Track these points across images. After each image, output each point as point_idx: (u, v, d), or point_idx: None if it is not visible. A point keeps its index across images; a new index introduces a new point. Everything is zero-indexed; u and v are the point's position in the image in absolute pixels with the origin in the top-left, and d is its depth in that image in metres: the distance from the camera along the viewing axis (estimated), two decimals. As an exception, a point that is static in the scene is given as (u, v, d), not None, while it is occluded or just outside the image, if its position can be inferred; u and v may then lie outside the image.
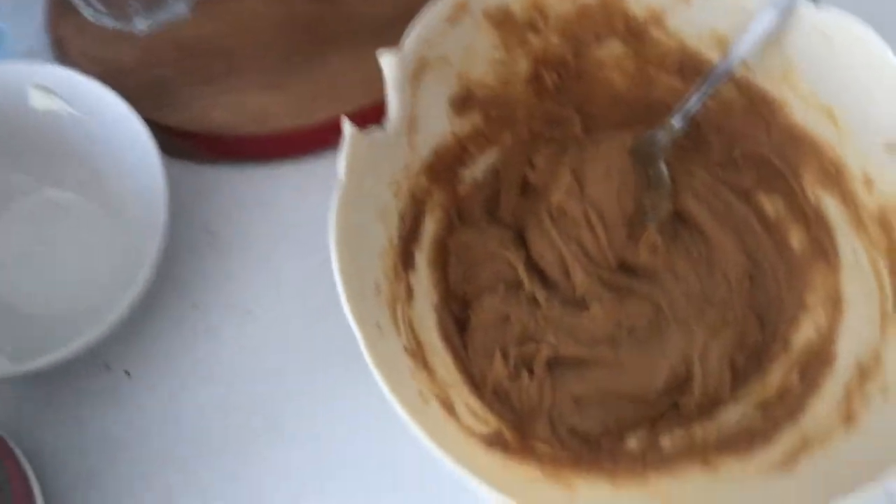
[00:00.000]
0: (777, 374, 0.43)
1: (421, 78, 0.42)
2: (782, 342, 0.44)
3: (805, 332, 0.44)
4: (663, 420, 0.43)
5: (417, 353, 0.41)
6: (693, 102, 0.44)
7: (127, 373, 0.45)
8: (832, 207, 0.44)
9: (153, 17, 0.50)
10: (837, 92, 0.43)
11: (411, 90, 0.42)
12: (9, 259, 0.47)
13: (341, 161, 0.38)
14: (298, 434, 0.44)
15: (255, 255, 0.48)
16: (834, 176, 0.44)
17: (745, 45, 0.42)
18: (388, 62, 0.40)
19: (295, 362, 0.46)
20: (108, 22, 0.49)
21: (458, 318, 0.44)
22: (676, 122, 0.45)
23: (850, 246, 0.43)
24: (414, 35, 0.41)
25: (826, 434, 0.39)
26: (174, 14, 0.50)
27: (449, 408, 0.40)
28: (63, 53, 0.50)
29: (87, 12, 0.49)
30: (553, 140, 0.48)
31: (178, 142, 0.48)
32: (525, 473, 0.39)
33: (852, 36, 0.41)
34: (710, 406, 0.43)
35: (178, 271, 0.47)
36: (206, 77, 0.49)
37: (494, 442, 0.39)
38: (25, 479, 0.40)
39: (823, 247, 0.44)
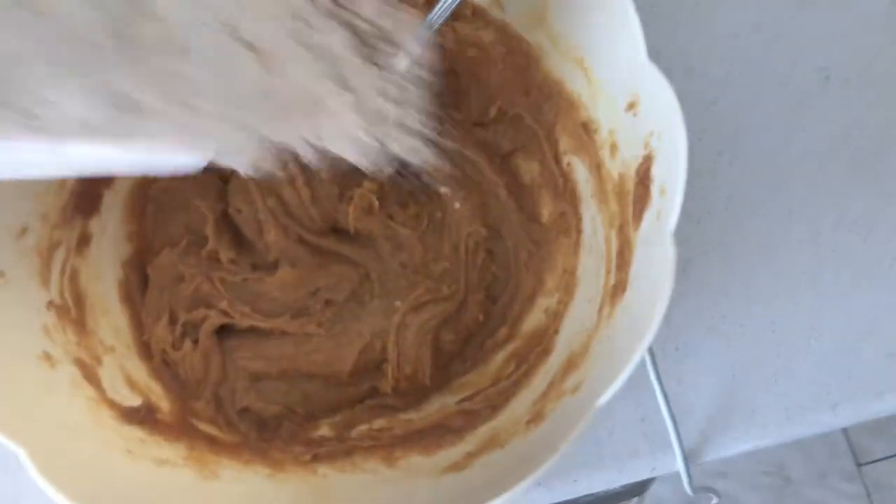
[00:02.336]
0: (498, 362, 0.38)
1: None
2: (511, 326, 0.38)
3: (536, 317, 0.38)
4: (364, 406, 0.38)
5: (69, 309, 0.35)
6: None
7: None
8: (582, 176, 0.39)
9: None
10: (587, 38, 0.37)
11: None
12: None
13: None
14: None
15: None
16: (585, 140, 0.38)
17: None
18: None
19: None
20: None
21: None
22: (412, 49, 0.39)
23: (591, 221, 0.38)
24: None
25: (511, 433, 0.33)
26: None
27: (89, 374, 0.34)
28: None
29: None
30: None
31: None
32: (160, 453, 0.33)
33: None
34: (415, 393, 0.37)
35: None
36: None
37: (135, 418, 0.34)
38: None
39: (568, 222, 0.39)
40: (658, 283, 0.30)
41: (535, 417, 0.33)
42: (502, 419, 0.35)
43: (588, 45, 0.37)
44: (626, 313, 0.32)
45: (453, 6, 0.36)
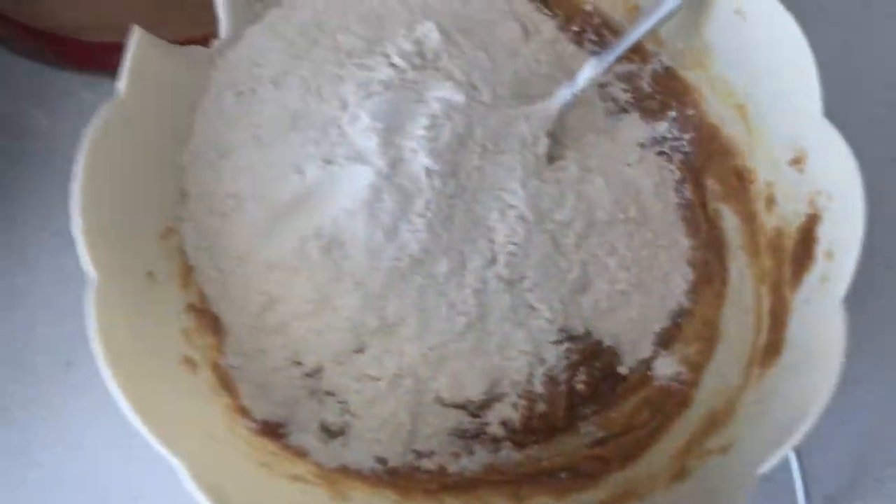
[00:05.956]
0: (628, 409, 0.37)
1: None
2: (644, 371, 0.37)
3: (671, 365, 0.37)
4: (486, 437, 0.37)
5: (206, 313, 0.35)
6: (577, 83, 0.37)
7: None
8: (730, 224, 0.38)
9: None
10: (751, 83, 0.36)
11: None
12: None
13: (123, 74, 0.32)
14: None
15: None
16: (737, 188, 0.37)
17: (645, 24, 0.35)
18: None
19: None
20: None
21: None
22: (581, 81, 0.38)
23: (739, 273, 0.37)
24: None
25: (649, 486, 0.33)
26: None
27: (224, 381, 0.34)
28: None
29: None
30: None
31: (24, 39, 0.43)
32: (294, 469, 0.33)
33: (767, 13, 0.34)
34: (543, 431, 0.37)
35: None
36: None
37: (267, 430, 0.34)
38: None
39: (711, 270, 0.38)
40: (824, 355, 0.29)
41: (679, 474, 0.32)
42: (636, 470, 0.34)
43: (753, 92, 0.36)
44: (783, 379, 0.31)
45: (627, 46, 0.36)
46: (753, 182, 0.36)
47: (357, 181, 0.33)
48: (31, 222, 0.42)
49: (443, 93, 0.35)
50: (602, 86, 0.40)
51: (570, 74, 0.39)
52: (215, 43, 0.36)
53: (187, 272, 0.35)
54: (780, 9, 0.33)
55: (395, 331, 0.35)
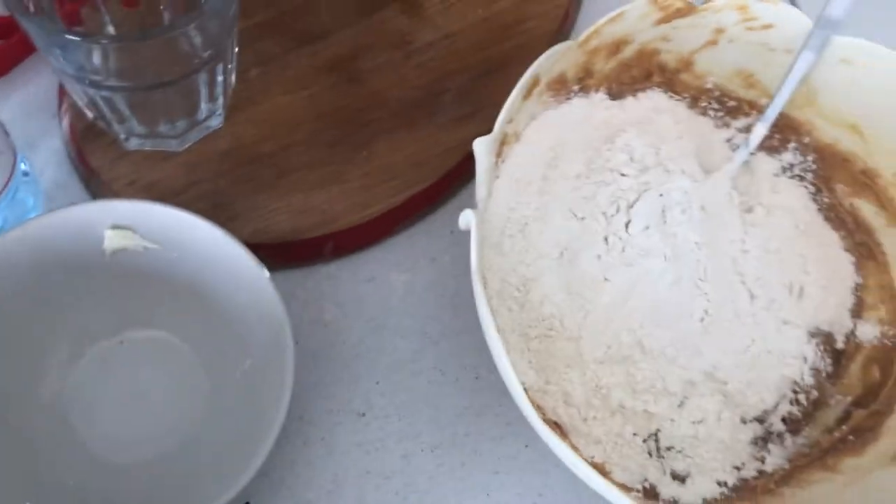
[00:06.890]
0: (856, 371, 0.47)
1: (500, 154, 0.44)
2: (853, 342, 0.48)
3: (873, 330, 0.48)
4: (770, 434, 0.46)
5: (549, 422, 0.42)
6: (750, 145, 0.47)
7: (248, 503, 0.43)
8: (869, 212, 0.49)
9: (190, 136, 0.48)
10: (860, 109, 0.47)
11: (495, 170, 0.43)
12: (99, 409, 0.43)
13: (474, 257, 0.38)
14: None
15: (346, 356, 0.47)
16: (867, 183, 0.49)
17: (788, 88, 0.46)
18: (482, 148, 0.41)
19: (417, 457, 0.45)
20: (148, 145, 0.47)
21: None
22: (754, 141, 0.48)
23: (894, 243, 0.48)
24: (502, 117, 0.42)
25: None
26: (209, 128, 0.48)
27: (599, 469, 0.41)
28: (101, 183, 0.47)
29: (127, 141, 0.47)
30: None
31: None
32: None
33: (872, 58, 0.45)
34: (810, 412, 0.46)
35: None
36: (258, 184, 0.48)
37: (650, 494, 0.41)
38: None
39: (869, 248, 0.49)
40: None
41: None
42: (904, 411, 0.44)
43: (863, 114, 0.47)
44: None
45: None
46: (879, 176, 0.48)
47: (655, 272, 0.42)
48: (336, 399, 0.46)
49: (675, 184, 0.44)
50: (728, 139, 0.50)
51: (708, 141, 0.49)
52: (478, 204, 0.42)
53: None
54: (887, 52, 0.44)
55: (711, 378, 0.43)
